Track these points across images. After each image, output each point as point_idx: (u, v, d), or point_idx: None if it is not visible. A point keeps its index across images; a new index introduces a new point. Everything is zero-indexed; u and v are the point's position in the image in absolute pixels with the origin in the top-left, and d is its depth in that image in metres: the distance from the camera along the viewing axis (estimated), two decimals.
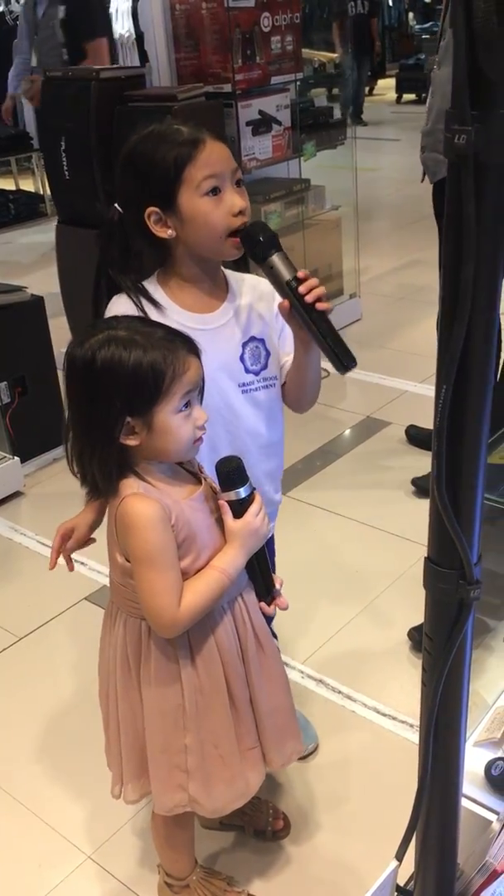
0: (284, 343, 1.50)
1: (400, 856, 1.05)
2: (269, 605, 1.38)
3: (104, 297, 1.45)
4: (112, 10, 7.29)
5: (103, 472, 1.22)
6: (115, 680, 1.36)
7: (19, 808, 1.84)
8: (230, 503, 1.28)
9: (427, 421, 3.03)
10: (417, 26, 13.05)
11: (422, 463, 2.98)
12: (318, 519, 2.74)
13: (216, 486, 1.31)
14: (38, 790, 1.88)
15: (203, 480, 1.31)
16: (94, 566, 2.61)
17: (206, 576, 1.26)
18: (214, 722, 1.34)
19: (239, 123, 3.41)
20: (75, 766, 1.93)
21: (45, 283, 3.36)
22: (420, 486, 2.80)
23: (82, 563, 2.63)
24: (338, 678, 2.09)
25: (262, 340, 1.48)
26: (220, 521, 1.29)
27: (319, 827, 1.75)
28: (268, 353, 1.49)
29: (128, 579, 1.27)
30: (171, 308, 1.42)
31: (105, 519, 1.34)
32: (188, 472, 1.32)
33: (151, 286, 1.44)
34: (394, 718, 1.98)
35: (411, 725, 1.95)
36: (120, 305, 1.41)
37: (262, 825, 1.72)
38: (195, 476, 1.32)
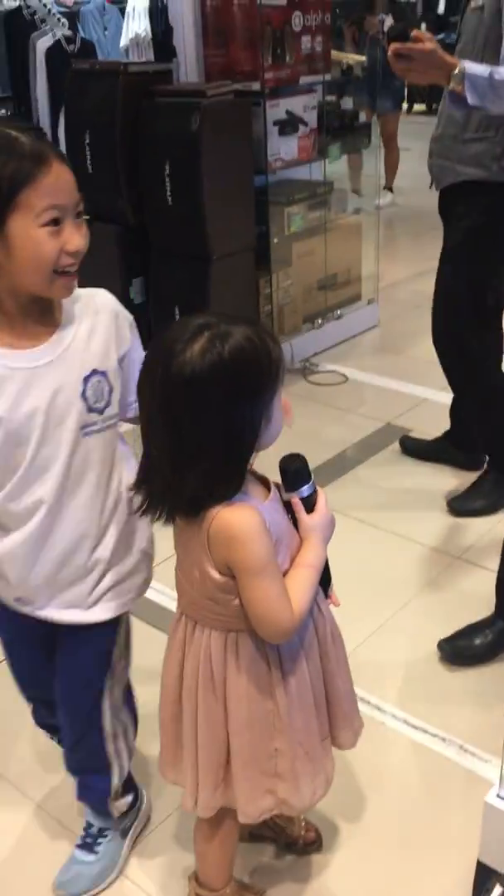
0: (132, 372, 1.30)
1: None
2: (327, 596, 1.37)
3: None
4: (129, 8, 7.26)
5: (235, 478, 1.15)
6: (195, 695, 1.30)
7: (40, 813, 1.78)
8: (302, 500, 1.26)
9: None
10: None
11: (444, 472, 2.93)
12: (340, 524, 2.66)
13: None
14: (58, 797, 1.82)
15: (271, 481, 1.27)
16: None
17: (301, 575, 1.24)
18: (300, 720, 1.32)
19: (266, 123, 3.37)
20: None
21: None
22: (455, 509, 2.74)
23: None
24: (365, 688, 2.03)
25: (104, 374, 1.30)
26: (290, 519, 1.27)
27: (350, 839, 1.70)
28: (111, 389, 1.31)
29: (220, 594, 1.21)
30: None
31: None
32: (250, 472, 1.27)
33: None
34: (424, 731, 1.93)
35: (443, 739, 1.91)
36: None
37: (293, 837, 1.66)
38: (255, 475, 1.27)
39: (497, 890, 0.97)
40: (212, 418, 1.10)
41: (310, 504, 1.26)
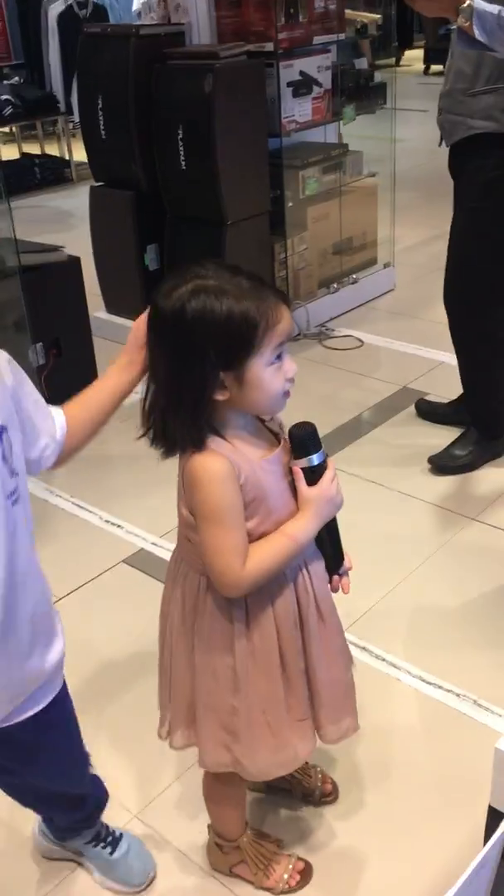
0: (29, 417, 1.15)
1: None
2: (339, 578, 1.35)
3: None
4: None
5: (191, 428, 1.17)
6: (173, 630, 1.35)
7: None
8: (304, 470, 1.25)
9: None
10: None
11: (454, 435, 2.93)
12: (357, 488, 2.70)
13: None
14: None
15: (281, 441, 1.27)
16: (131, 529, 2.60)
17: (275, 540, 1.24)
18: (263, 687, 1.32)
19: (280, 84, 3.34)
20: (116, 725, 1.92)
21: (71, 247, 3.33)
22: (436, 465, 2.76)
23: (119, 526, 2.62)
24: (381, 646, 2.07)
25: (4, 428, 1.09)
26: (292, 486, 1.26)
27: (366, 792, 1.74)
28: (12, 444, 1.11)
29: (191, 533, 1.25)
30: None
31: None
32: (270, 430, 1.28)
33: None
34: (439, 687, 1.96)
35: (457, 695, 1.94)
36: None
37: (310, 789, 1.70)
38: (276, 435, 1.28)
39: (503, 826, 0.99)
40: (165, 360, 1.16)
41: (315, 475, 1.25)
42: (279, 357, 1.17)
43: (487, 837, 1.27)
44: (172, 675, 1.38)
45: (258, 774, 1.39)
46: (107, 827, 1.60)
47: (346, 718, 1.43)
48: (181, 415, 1.17)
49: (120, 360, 1.26)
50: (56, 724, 1.34)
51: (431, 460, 2.77)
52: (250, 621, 1.29)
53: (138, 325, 1.23)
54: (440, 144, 2.56)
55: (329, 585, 1.36)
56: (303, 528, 1.24)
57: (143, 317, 1.21)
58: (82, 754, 1.48)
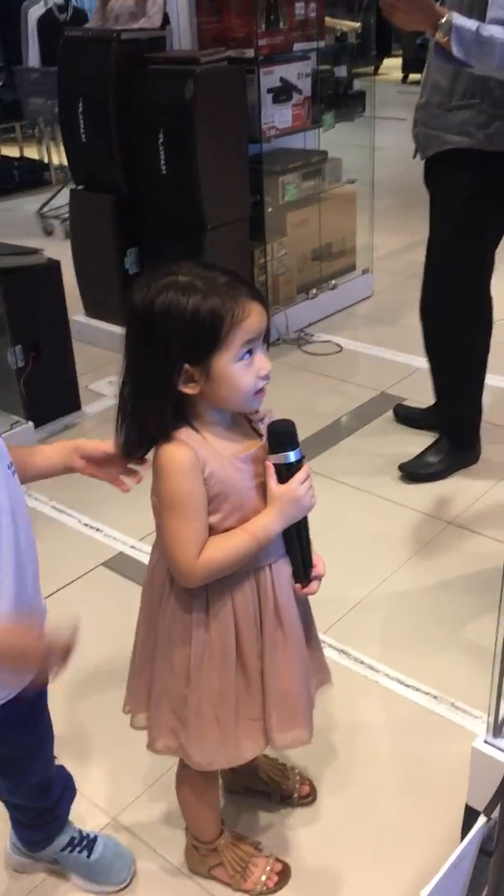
0: None
1: (489, 812, 1.03)
2: (303, 587, 1.33)
3: None
4: None
5: (158, 418, 1.19)
6: (142, 615, 1.38)
7: None
8: (277, 466, 1.24)
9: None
10: None
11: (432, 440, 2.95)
12: (335, 492, 2.72)
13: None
14: (57, 754, 1.86)
15: (263, 441, 1.27)
16: (109, 532, 2.59)
17: (234, 535, 1.24)
18: (216, 681, 1.32)
19: (260, 90, 3.35)
20: (93, 729, 1.91)
21: (49, 250, 3.32)
22: (407, 472, 2.77)
23: (98, 530, 2.62)
24: (360, 648, 2.08)
25: None
26: (263, 486, 1.25)
27: (344, 794, 1.74)
28: None
29: (158, 519, 1.27)
30: None
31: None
32: (254, 430, 1.29)
33: None
34: (417, 689, 1.98)
35: (435, 697, 1.95)
36: None
37: (288, 791, 1.71)
38: (260, 435, 1.28)
39: (479, 821, 1.01)
40: (133, 350, 1.19)
41: (289, 474, 1.24)
42: (250, 353, 1.18)
43: (464, 835, 1.29)
44: (138, 658, 1.40)
45: (202, 764, 1.38)
46: (80, 831, 1.60)
47: (298, 729, 1.39)
48: (150, 405, 1.19)
49: (69, 449, 1.33)
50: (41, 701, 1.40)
51: (402, 467, 2.78)
52: (210, 613, 1.29)
53: (97, 446, 1.31)
54: (414, 156, 2.56)
55: (294, 594, 1.34)
56: (263, 525, 1.24)
57: (111, 446, 1.28)
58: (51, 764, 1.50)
